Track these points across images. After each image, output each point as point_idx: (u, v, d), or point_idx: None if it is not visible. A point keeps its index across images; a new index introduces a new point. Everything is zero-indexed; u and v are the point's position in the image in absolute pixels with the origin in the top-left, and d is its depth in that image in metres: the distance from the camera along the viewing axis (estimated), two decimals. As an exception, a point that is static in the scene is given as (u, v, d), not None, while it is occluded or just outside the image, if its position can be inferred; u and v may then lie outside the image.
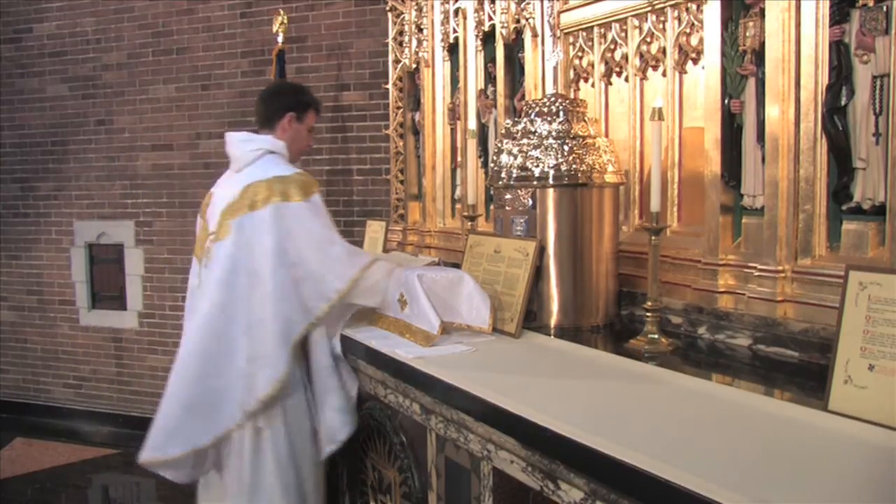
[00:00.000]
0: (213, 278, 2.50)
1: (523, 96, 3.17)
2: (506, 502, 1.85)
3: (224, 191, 2.61)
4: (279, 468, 2.48)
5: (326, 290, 2.44)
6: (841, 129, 2.00)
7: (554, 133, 2.54)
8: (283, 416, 2.48)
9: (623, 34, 2.75)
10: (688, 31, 2.51)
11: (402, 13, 4.07)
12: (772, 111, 2.13)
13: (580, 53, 2.96)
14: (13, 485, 4.61)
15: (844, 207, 2.04)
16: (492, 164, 2.75)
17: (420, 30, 3.94)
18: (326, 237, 2.48)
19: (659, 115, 2.18)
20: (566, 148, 2.50)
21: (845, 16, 1.98)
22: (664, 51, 2.61)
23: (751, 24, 2.22)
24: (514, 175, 2.56)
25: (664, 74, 2.63)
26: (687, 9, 2.48)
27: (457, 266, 2.79)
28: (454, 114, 3.78)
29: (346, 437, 2.57)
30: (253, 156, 2.59)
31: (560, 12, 2.93)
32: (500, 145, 2.70)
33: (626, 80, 2.79)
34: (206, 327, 2.48)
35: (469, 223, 3.05)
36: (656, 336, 2.19)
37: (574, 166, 2.48)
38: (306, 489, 2.55)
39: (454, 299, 2.41)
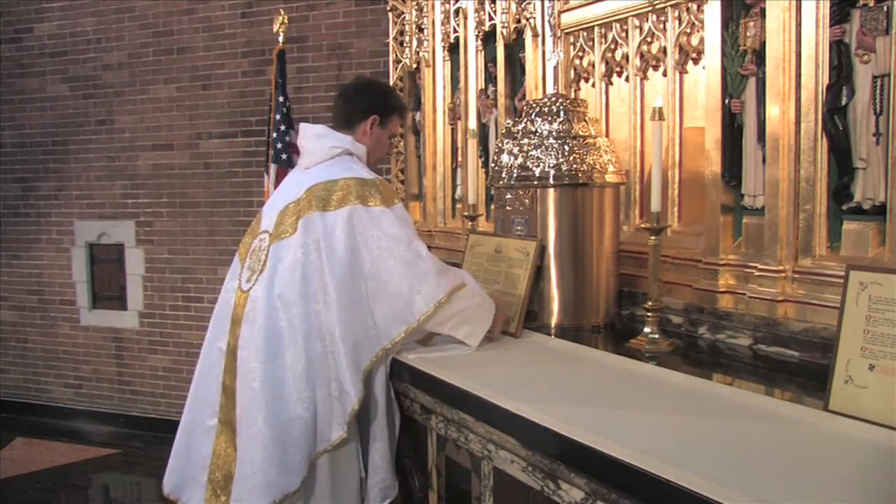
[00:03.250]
0: (279, 286, 2.10)
1: (524, 96, 3.17)
2: (506, 502, 1.85)
3: (288, 188, 2.30)
4: None
5: (407, 312, 2.08)
6: (841, 128, 2.00)
7: (554, 133, 2.54)
8: (329, 469, 2.09)
9: (624, 34, 2.75)
10: (688, 30, 2.51)
11: (403, 13, 4.07)
12: (772, 111, 2.13)
13: (581, 53, 2.96)
14: (14, 484, 4.61)
15: (845, 207, 2.04)
16: (492, 164, 2.75)
17: (421, 30, 3.94)
18: (413, 250, 2.11)
19: (659, 114, 2.18)
20: (567, 148, 2.50)
21: (846, 16, 1.98)
22: (665, 51, 2.61)
23: (751, 23, 2.22)
24: (515, 175, 2.56)
25: (665, 74, 2.64)
26: (687, 9, 2.48)
27: (457, 266, 2.79)
28: (455, 113, 3.78)
29: (395, 493, 2.19)
30: (329, 153, 2.28)
31: (561, 12, 2.93)
32: (500, 145, 2.70)
33: (627, 80, 2.80)
34: (278, 345, 2.07)
35: (470, 223, 3.05)
36: (657, 336, 2.19)
37: (575, 166, 2.48)
38: None
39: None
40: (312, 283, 2.08)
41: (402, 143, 4.24)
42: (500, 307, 2.31)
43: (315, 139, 2.32)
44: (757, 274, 2.18)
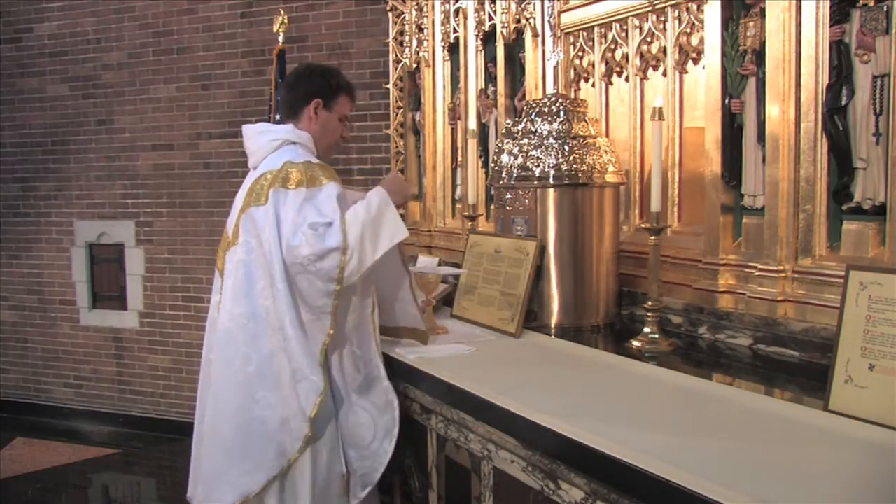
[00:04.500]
0: (228, 292, 2.15)
1: (524, 96, 3.17)
2: (506, 502, 1.85)
3: (240, 193, 2.28)
4: None
5: (325, 277, 2.01)
6: (841, 128, 2.00)
7: (554, 133, 2.54)
8: (311, 458, 2.10)
9: (623, 34, 2.75)
10: (688, 30, 2.51)
11: (403, 13, 4.07)
12: (772, 111, 2.13)
13: (581, 53, 2.96)
14: (13, 485, 4.61)
15: (845, 207, 2.04)
16: (492, 164, 2.75)
17: (420, 29, 3.94)
18: (305, 215, 2.04)
19: (659, 114, 2.18)
20: (567, 148, 2.50)
21: (846, 16, 1.98)
22: (665, 51, 2.61)
23: (751, 23, 2.22)
24: (515, 175, 2.56)
25: (665, 74, 2.63)
26: (687, 9, 2.48)
27: (457, 266, 2.79)
28: (455, 113, 3.78)
29: (379, 475, 2.21)
30: (270, 147, 2.22)
31: (560, 12, 2.93)
32: (500, 145, 2.70)
33: (627, 79, 2.79)
34: (231, 348, 2.12)
35: (469, 223, 3.05)
36: (657, 336, 2.19)
37: (574, 166, 2.48)
38: None
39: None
40: (258, 281, 2.09)
41: (402, 143, 4.24)
42: (390, 183, 2.21)
43: (255, 137, 2.29)
44: (757, 274, 2.18)
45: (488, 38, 3.48)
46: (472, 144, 3.44)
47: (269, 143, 2.23)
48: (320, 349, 2.06)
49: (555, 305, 2.52)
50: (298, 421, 2.06)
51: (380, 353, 2.19)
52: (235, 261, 2.14)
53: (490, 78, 3.50)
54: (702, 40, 2.42)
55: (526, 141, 2.57)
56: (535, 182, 2.51)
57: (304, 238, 2.00)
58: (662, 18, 2.60)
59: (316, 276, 2.01)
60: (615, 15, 2.74)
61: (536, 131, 2.57)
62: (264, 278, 2.08)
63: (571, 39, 2.97)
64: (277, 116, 4.53)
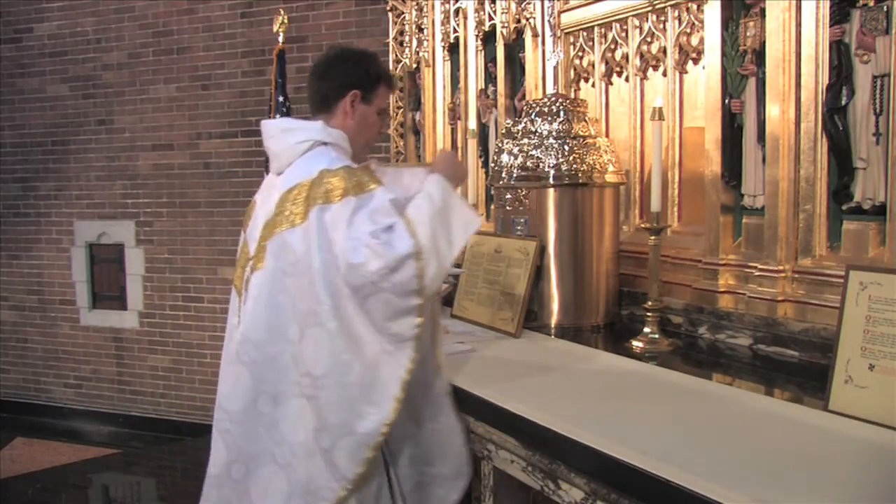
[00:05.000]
0: (248, 321, 1.83)
1: (524, 96, 3.17)
2: (506, 502, 1.85)
3: (265, 203, 1.90)
4: None
5: (403, 307, 1.67)
6: (841, 128, 2.00)
7: (554, 133, 2.54)
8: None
9: (623, 34, 2.75)
10: (688, 30, 2.51)
11: (403, 13, 4.07)
12: (772, 111, 2.13)
13: (581, 53, 2.96)
14: (13, 485, 4.61)
15: (845, 207, 2.03)
16: (492, 164, 2.75)
17: (420, 30, 3.94)
18: (359, 228, 1.68)
19: (659, 114, 2.18)
20: (567, 148, 2.50)
21: (845, 16, 1.98)
22: (665, 51, 2.61)
23: (751, 23, 2.22)
24: (515, 175, 2.56)
25: (665, 74, 2.63)
26: (687, 9, 2.48)
27: (457, 266, 2.79)
28: (455, 113, 3.78)
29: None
30: (298, 150, 1.86)
31: (560, 12, 2.92)
32: (500, 145, 2.70)
33: (627, 79, 2.79)
34: (245, 393, 1.83)
35: (469, 223, 3.04)
36: (657, 336, 2.19)
37: (574, 166, 2.48)
38: None
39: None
40: (287, 318, 1.76)
41: (402, 143, 4.24)
42: (441, 165, 1.96)
43: (279, 137, 1.92)
44: (757, 274, 2.18)
45: (488, 38, 3.48)
46: (472, 144, 3.44)
47: (296, 146, 1.86)
48: (400, 386, 1.68)
49: (555, 305, 2.52)
50: (333, 484, 1.74)
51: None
52: (258, 289, 1.82)
53: (490, 78, 3.50)
54: (702, 40, 2.42)
55: (526, 141, 2.57)
56: (535, 182, 2.51)
57: (369, 251, 1.64)
58: (662, 18, 2.60)
59: (392, 293, 1.65)
60: (615, 15, 2.74)
61: (536, 131, 2.57)
62: (295, 315, 1.74)
63: (571, 39, 2.97)
64: (277, 116, 4.54)
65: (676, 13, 2.54)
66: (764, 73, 2.17)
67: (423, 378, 1.80)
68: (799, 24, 2.07)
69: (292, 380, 1.76)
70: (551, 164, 2.49)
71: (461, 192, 1.77)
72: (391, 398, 1.68)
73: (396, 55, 4.19)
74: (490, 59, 3.47)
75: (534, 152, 2.53)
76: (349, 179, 1.73)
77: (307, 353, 1.72)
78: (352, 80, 1.93)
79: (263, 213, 1.88)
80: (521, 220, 2.57)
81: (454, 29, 3.69)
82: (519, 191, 2.57)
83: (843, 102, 2.00)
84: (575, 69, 3.00)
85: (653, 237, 2.17)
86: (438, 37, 3.81)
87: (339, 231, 1.68)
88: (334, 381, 1.70)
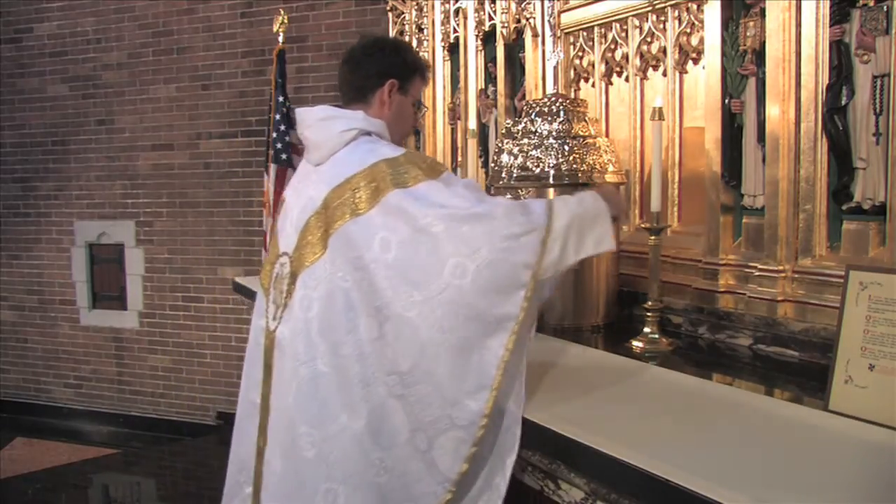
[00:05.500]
0: (317, 322, 1.65)
1: (524, 96, 3.17)
2: (506, 502, 1.85)
3: (303, 194, 1.78)
4: None
5: (514, 268, 1.55)
6: (841, 128, 2.00)
7: (554, 133, 2.54)
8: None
9: (623, 34, 2.75)
10: (688, 30, 2.51)
11: (403, 13, 4.07)
12: (772, 111, 2.13)
13: (581, 53, 2.96)
14: (13, 485, 4.61)
15: (845, 207, 2.03)
16: (492, 164, 2.75)
17: (420, 30, 3.94)
18: (484, 203, 1.61)
19: (659, 114, 2.18)
20: (567, 148, 2.50)
21: (846, 15, 1.98)
22: (664, 51, 2.61)
23: (751, 23, 2.22)
24: (515, 175, 2.56)
25: (664, 74, 2.63)
26: (687, 9, 2.48)
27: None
28: (454, 113, 3.78)
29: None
30: (342, 140, 1.75)
31: (560, 12, 2.92)
32: (500, 145, 2.70)
33: (627, 79, 2.79)
34: (327, 401, 1.62)
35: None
36: (657, 336, 2.19)
37: (574, 166, 2.48)
38: None
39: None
40: (361, 314, 1.60)
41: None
42: (604, 193, 1.80)
43: (320, 126, 1.81)
44: (757, 274, 2.18)
45: (488, 38, 3.48)
46: (472, 144, 3.44)
47: (340, 135, 1.75)
48: (499, 371, 1.54)
49: (555, 305, 2.52)
50: (436, 487, 1.58)
51: None
52: (327, 287, 1.64)
53: (490, 78, 3.50)
54: (702, 40, 2.42)
55: (526, 141, 2.57)
56: (535, 182, 2.51)
57: (496, 207, 1.59)
58: (662, 18, 2.60)
59: (516, 251, 1.55)
60: (615, 15, 2.74)
61: (536, 131, 2.57)
62: (367, 309, 1.59)
63: (571, 39, 2.97)
64: (277, 117, 4.54)
65: (676, 13, 2.54)
66: (764, 73, 2.17)
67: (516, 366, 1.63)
68: (799, 24, 2.07)
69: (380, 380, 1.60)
70: (551, 164, 2.49)
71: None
72: (489, 387, 1.54)
73: (396, 55, 4.18)
74: (490, 59, 3.47)
75: (534, 152, 2.53)
76: (419, 163, 1.67)
77: (388, 351, 1.57)
78: (389, 69, 1.85)
79: (300, 205, 1.76)
80: (521, 220, 2.56)
81: (454, 29, 3.69)
82: (519, 191, 2.56)
83: (843, 102, 2.00)
84: (575, 69, 3.00)
85: (653, 237, 2.17)
86: (438, 37, 3.81)
87: (434, 204, 1.59)
88: (423, 373, 1.55)
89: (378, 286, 1.58)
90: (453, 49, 3.76)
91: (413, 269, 1.56)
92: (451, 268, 1.55)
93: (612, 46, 2.82)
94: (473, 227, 1.56)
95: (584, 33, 2.91)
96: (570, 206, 1.66)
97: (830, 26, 2.01)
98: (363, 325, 1.60)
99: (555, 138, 2.52)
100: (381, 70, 1.84)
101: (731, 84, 2.30)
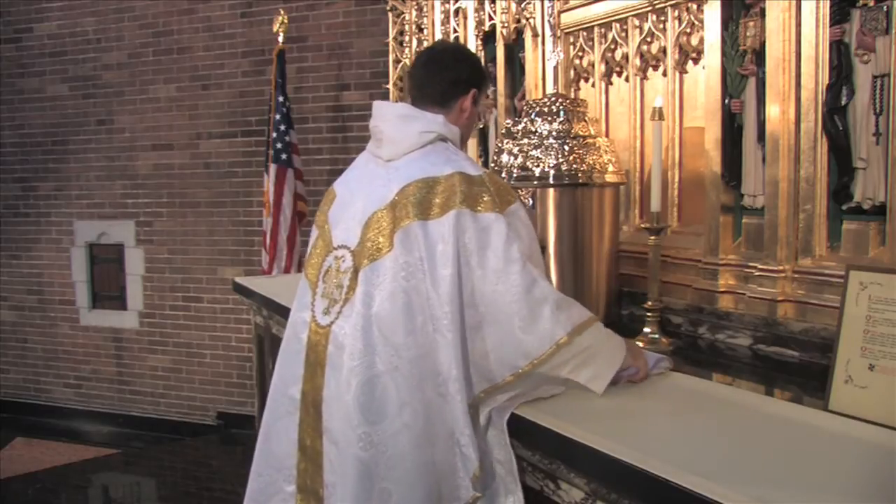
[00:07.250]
0: (380, 321, 1.64)
1: (524, 96, 3.17)
2: (506, 502, 1.85)
3: (368, 187, 1.78)
4: None
5: (515, 351, 1.61)
6: (841, 128, 2.00)
7: (554, 133, 2.54)
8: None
9: (623, 34, 2.75)
10: (688, 30, 2.51)
11: (403, 13, 4.07)
12: (772, 111, 2.13)
13: (581, 53, 2.96)
14: (13, 485, 4.61)
15: (845, 207, 2.04)
16: (492, 164, 2.74)
17: (420, 29, 3.94)
18: (527, 273, 1.61)
19: (659, 114, 2.18)
20: (566, 148, 2.50)
21: (845, 15, 1.98)
22: (664, 50, 2.61)
23: (751, 23, 2.22)
24: (515, 175, 2.56)
25: (664, 74, 2.64)
26: (687, 9, 2.48)
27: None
28: (454, 114, 3.77)
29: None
30: (420, 140, 1.76)
31: (560, 12, 2.92)
32: (500, 145, 2.70)
33: (627, 79, 2.80)
34: (385, 400, 1.62)
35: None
36: (657, 336, 2.19)
37: (574, 166, 2.48)
38: None
39: None
40: (418, 315, 1.62)
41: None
42: (632, 346, 1.84)
43: (399, 122, 1.79)
44: (757, 274, 2.18)
45: (488, 38, 3.48)
46: (472, 144, 3.44)
47: (420, 136, 1.76)
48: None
49: (555, 305, 2.52)
50: (461, 483, 1.63)
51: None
52: (392, 285, 1.64)
53: (490, 78, 3.50)
54: (702, 40, 2.42)
55: (526, 141, 2.57)
56: (535, 182, 2.51)
57: (547, 308, 1.61)
58: (662, 18, 2.60)
59: (513, 336, 1.60)
60: (615, 15, 2.74)
61: (536, 131, 2.57)
62: (424, 313, 1.63)
63: (571, 39, 2.97)
64: (277, 116, 4.54)
65: (676, 13, 2.54)
66: (764, 73, 2.17)
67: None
68: (799, 24, 2.07)
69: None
70: (551, 164, 2.49)
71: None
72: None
73: (396, 55, 4.18)
74: (490, 59, 3.47)
75: (534, 152, 2.53)
76: (489, 186, 1.69)
77: (444, 354, 1.62)
78: (473, 79, 1.87)
79: (366, 199, 1.76)
80: (521, 220, 2.56)
81: (454, 29, 3.68)
82: (519, 191, 2.56)
83: (843, 102, 2.00)
84: (575, 69, 3.00)
85: (653, 237, 2.17)
86: (438, 37, 3.81)
87: (491, 248, 1.62)
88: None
89: (434, 295, 1.62)
90: (453, 49, 3.76)
91: (460, 294, 1.60)
92: (470, 308, 1.62)
93: (612, 46, 2.82)
94: (508, 292, 1.60)
95: (584, 33, 2.91)
96: (600, 332, 1.69)
97: (830, 26, 2.01)
98: (420, 328, 1.62)
99: (555, 138, 2.52)
100: (468, 78, 1.86)
101: (731, 84, 2.30)
